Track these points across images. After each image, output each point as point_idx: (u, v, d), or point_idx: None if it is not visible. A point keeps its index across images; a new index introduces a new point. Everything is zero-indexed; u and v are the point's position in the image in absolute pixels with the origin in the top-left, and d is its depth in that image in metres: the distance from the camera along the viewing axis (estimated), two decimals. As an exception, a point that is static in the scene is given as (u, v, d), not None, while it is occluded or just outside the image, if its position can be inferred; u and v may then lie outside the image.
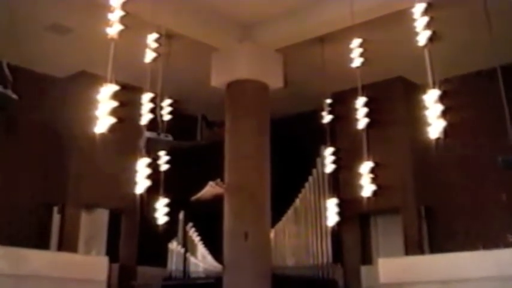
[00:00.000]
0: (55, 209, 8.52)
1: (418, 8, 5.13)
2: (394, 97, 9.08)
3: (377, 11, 7.05)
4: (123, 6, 5.20)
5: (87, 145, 7.74)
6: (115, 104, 5.14)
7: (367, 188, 6.57)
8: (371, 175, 6.59)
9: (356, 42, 6.58)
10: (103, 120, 5.05)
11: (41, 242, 8.16)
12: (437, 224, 8.72)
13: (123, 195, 7.76)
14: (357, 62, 6.54)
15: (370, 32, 7.07)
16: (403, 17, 5.76)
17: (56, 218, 8.47)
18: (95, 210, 8.96)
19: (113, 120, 5.07)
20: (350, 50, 6.59)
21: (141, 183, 6.09)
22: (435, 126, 5.17)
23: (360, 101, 6.78)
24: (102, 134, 5.15)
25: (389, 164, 8.25)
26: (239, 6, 7.64)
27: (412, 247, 8.39)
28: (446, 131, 5.16)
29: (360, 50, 6.56)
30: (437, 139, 5.19)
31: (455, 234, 8.39)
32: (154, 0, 6.31)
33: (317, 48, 8.09)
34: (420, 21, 5.11)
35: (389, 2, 6.82)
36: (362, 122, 6.72)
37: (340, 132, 8.83)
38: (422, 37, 5.10)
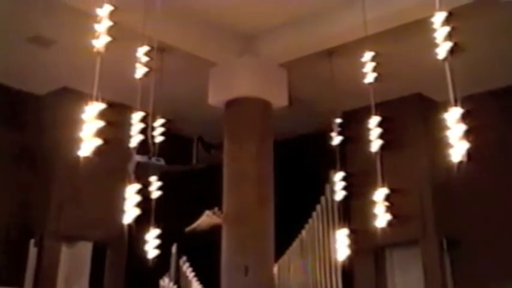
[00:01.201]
0: (32, 241, 8.43)
1: (438, 17, 5.12)
2: (411, 116, 9.08)
3: (392, 21, 7.09)
4: (111, 16, 5.21)
5: (70, 170, 7.71)
6: (101, 124, 5.12)
7: (381, 217, 6.51)
8: (386, 203, 6.53)
9: (368, 55, 6.57)
10: (88, 142, 5.02)
11: (14, 278, 8.06)
12: (461, 258, 8.62)
13: (109, 225, 7.70)
14: (369, 77, 6.52)
15: (384, 44, 7.08)
16: (421, 28, 5.77)
17: (33, 251, 8.36)
18: (77, 243, 8.88)
19: (99, 142, 5.04)
20: (362, 65, 6.58)
21: (130, 212, 6.03)
22: (457, 148, 5.12)
23: (374, 121, 6.74)
24: (87, 158, 5.11)
25: (407, 190, 8.20)
26: (239, 16, 7.69)
27: (433, 284, 8.29)
28: (469, 154, 5.11)
29: (373, 64, 6.55)
30: (460, 163, 5.14)
31: (482, 270, 8.29)
32: (146, 9, 6.33)
33: (325, 62, 8.13)
34: (440, 31, 5.10)
35: (405, 11, 6.87)
36: (376, 144, 6.67)
37: (351, 155, 8.81)
38: (443, 49, 5.07)
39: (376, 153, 6.66)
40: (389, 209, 6.50)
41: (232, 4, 7.39)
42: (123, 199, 6.07)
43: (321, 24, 7.58)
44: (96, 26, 5.27)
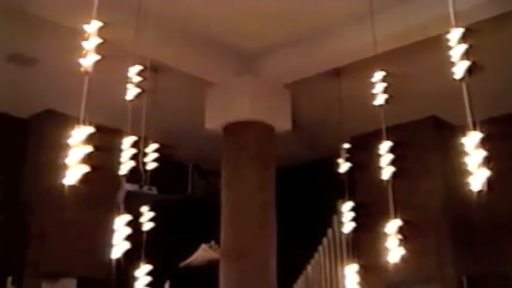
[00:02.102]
0: (9, 279, 8.34)
1: (455, 34, 5.14)
2: (426, 141, 9.08)
3: (404, 39, 7.13)
4: (100, 33, 5.23)
5: (54, 199, 7.68)
6: (89, 149, 5.10)
7: (394, 252, 6.44)
8: (399, 236, 6.47)
9: (379, 75, 6.58)
10: (74, 169, 4.99)
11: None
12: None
13: (96, 261, 7.64)
14: (380, 99, 6.52)
15: (396, 63, 7.11)
16: (436, 45, 5.81)
17: (10, 291, 8.30)
18: (60, 280, 8.79)
19: (85, 169, 5.01)
20: (372, 85, 6.59)
21: (119, 246, 5.99)
22: (476, 176, 5.10)
23: (385, 146, 6.72)
24: (73, 186, 5.08)
25: (421, 222, 8.16)
26: (239, 34, 7.73)
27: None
28: (490, 183, 5.08)
29: (384, 84, 6.56)
30: (480, 192, 5.11)
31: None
32: (138, 26, 6.37)
33: (333, 83, 8.17)
34: (457, 49, 5.11)
35: (418, 27, 6.91)
36: (387, 171, 6.64)
37: (360, 183, 8.79)
38: (459, 69, 5.08)
39: (387, 181, 6.62)
40: (402, 243, 6.44)
41: (232, 21, 7.44)
42: (111, 231, 6.04)
43: (327, 42, 7.62)
44: (84, 44, 5.28)
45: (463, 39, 5.12)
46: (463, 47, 5.10)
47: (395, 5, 6.91)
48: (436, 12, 6.45)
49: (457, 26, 5.06)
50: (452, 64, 5.13)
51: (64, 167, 5.08)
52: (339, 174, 8.05)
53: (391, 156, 6.68)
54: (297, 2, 7.01)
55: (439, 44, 5.58)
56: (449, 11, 4.92)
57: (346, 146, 8.26)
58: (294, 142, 9.19)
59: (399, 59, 7.33)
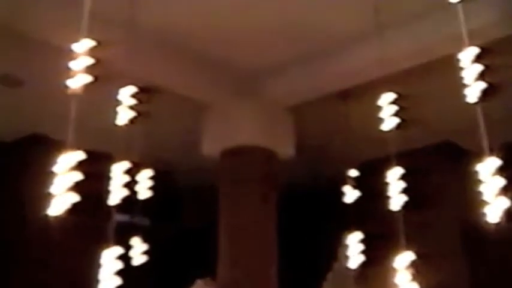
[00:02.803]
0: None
1: (468, 54, 5.17)
2: (439, 168, 9.08)
3: (415, 58, 7.17)
4: (90, 52, 5.26)
5: (39, 231, 7.64)
6: (77, 176, 5.09)
7: (405, 288, 6.40)
8: (411, 271, 6.42)
9: (388, 97, 6.60)
10: (60, 199, 4.98)
11: None
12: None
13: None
14: (390, 123, 6.52)
15: (406, 84, 7.11)
16: (448, 65, 5.81)
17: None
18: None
19: (73, 198, 5.00)
20: (381, 108, 6.61)
21: (108, 282, 5.94)
22: (494, 206, 5.07)
23: (395, 173, 6.72)
24: (59, 217, 5.07)
25: (435, 256, 8.10)
26: (237, 51, 7.77)
27: None
28: (509, 213, 5.06)
29: (394, 107, 6.57)
30: (498, 224, 5.08)
31: None
32: (130, 44, 6.41)
33: (339, 105, 8.21)
34: (470, 70, 5.13)
35: (430, 46, 6.96)
36: (398, 201, 6.63)
37: (369, 213, 8.73)
38: (474, 90, 5.09)
39: (398, 211, 6.60)
40: (415, 279, 6.40)
41: (230, 38, 7.49)
42: (99, 266, 5.99)
43: (333, 61, 7.66)
44: (72, 64, 5.31)
45: (477, 59, 5.14)
46: (477, 67, 5.11)
47: (404, 23, 6.95)
48: (448, 30, 6.46)
49: (470, 45, 5.08)
50: (466, 86, 5.14)
51: (50, 195, 5.07)
52: (346, 203, 8.05)
53: (402, 184, 6.66)
54: (300, 18, 7.06)
55: (451, 64, 5.60)
56: (461, 29, 4.94)
57: (354, 173, 8.26)
58: (297, 168, 9.16)
59: (409, 80, 7.34)
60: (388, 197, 6.71)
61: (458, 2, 4.70)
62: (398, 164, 6.64)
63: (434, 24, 6.83)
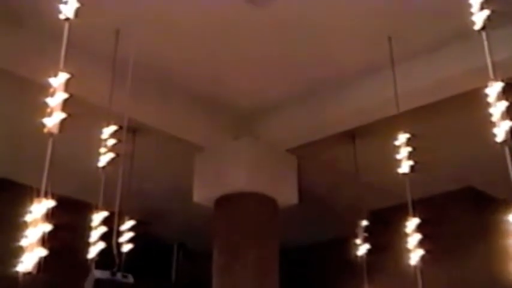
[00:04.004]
0: None
1: (493, 89, 5.13)
2: (461, 217, 9.02)
3: (431, 95, 7.14)
4: (68, 87, 5.20)
5: (7, 289, 7.51)
6: (50, 227, 5.00)
7: None
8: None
9: (402, 138, 6.57)
10: (32, 253, 4.88)
11: None
12: None
13: None
14: (404, 166, 6.49)
15: (422, 123, 7.11)
16: (471, 102, 5.79)
17: None
18: None
19: (45, 252, 4.90)
20: (394, 150, 6.57)
21: None
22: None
23: (411, 224, 6.64)
24: (30, 274, 4.96)
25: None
26: (233, 88, 7.76)
27: None
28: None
29: (408, 149, 6.54)
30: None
31: None
32: (114, 79, 6.39)
33: (347, 147, 8.17)
34: (496, 108, 5.09)
35: (448, 81, 6.93)
36: (415, 255, 6.54)
37: (381, 268, 8.66)
38: (501, 130, 5.04)
39: (415, 266, 6.51)
40: None
41: (225, 73, 7.47)
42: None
43: (340, 98, 7.64)
44: (48, 100, 5.25)
45: (503, 94, 5.10)
46: (504, 104, 5.06)
47: (420, 54, 6.95)
48: (469, 63, 6.49)
49: (496, 79, 5.05)
50: (492, 124, 5.09)
51: (20, 250, 4.97)
52: (356, 257, 7.95)
53: (418, 236, 6.59)
54: (303, 50, 7.05)
55: (474, 100, 5.57)
56: (485, 61, 4.90)
57: (364, 223, 8.18)
58: (300, 218, 9.12)
59: (426, 118, 7.32)
60: (403, 250, 6.63)
61: (482, 29, 4.65)
62: (415, 213, 6.59)
63: (453, 56, 6.82)
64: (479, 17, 4.70)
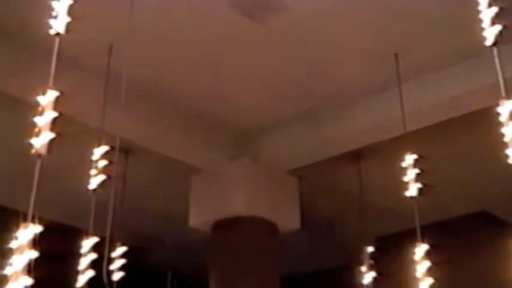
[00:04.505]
0: None
1: (505, 108, 5.12)
2: (473, 244, 8.99)
3: (440, 114, 7.14)
4: (57, 106, 5.19)
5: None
6: (37, 254, 4.97)
7: None
8: None
9: (409, 159, 6.56)
10: (16, 282, 4.84)
11: None
12: None
13: None
14: (412, 189, 6.46)
15: (431, 144, 7.10)
16: (481, 121, 5.79)
17: None
18: None
19: (31, 281, 4.86)
20: (401, 171, 6.55)
21: None
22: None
23: (420, 250, 6.61)
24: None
25: None
26: (231, 106, 7.76)
27: None
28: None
29: (416, 171, 6.53)
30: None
31: None
32: (105, 97, 6.38)
33: (351, 168, 8.18)
34: (509, 127, 5.07)
35: (459, 98, 6.92)
36: (424, 283, 6.51)
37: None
38: (516, 149, 5.04)
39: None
40: None
41: (222, 91, 7.47)
42: None
43: (343, 117, 7.64)
44: (37, 119, 5.24)
45: (516, 113, 5.10)
46: (518, 122, 5.06)
47: (428, 72, 6.95)
48: (479, 80, 6.49)
49: (507, 97, 5.04)
50: (504, 145, 5.08)
51: (4, 279, 4.94)
52: (361, 285, 7.95)
53: (428, 263, 6.56)
54: (305, 67, 7.05)
55: (484, 120, 5.56)
56: (496, 78, 4.90)
57: (370, 249, 8.17)
58: (302, 244, 9.08)
59: (434, 138, 7.32)
60: (412, 279, 6.60)
61: (493, 45, 4.65)
62: (423, 239, 6.56)
63: (463, 72, 6.82)
64: (490, 32, 4.69)
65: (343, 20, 6.26)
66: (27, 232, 4.89)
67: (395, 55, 6.65)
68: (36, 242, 4.95)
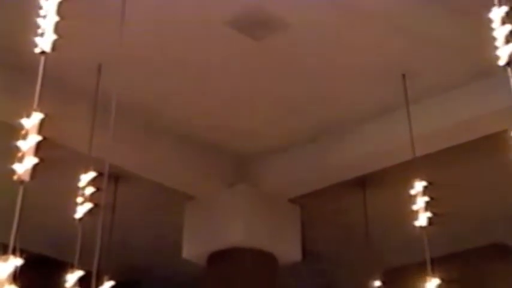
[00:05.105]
0: None
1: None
2: (487, 276, 8.95)
3: (451, 138, 7.14)
4: (42, 129, 5.19)
5: None
6: (16, 289, 4.94)
7: None
8: None
9: (419, 186, 6.55)
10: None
11: None
12: None
13: None
14: (421, 218, 6.45)
15: (441, 170, 7.09)
16: (495, 146, 5.78)
17: None
18: None
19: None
20: (410, 200, 6.53)
21: None
22: None
23: (431, 285, 6.58)
24: None
25: None
26: (229, 130, 7.77)
27: None
28: None
29: (426, 199, 6.52)
30: None
31: None
32: (93, 121, 6.37)
33: (356, 196, 8.18)
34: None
35: (471, 122, 6.92)
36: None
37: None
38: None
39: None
40: None
41: (219, 114, 7.46)
42: None
43: (348, 142, 7.65)
44: (20, 144, 5.24)
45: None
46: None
47: (438, 93, 6.97)
48: (492, 103, 6.50)
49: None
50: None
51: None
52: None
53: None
54: (307, 89, 7.06)
55: (497, 145, 5.55)
56: (510, 101, 4.90)
57: (377, 283, 8.11)
58: (304, 277, 9.04)
59: (445, 164, 7.32)
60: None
61: (507, 65, 4.66)
62: (433, 273, 6.53)
63: (475, 94, 6.84)
64: (504, 52, 4.70)
65: (347, 39, 6.28)
66: (7, 265, 4.86)
67: (403, 76, 6.66)
68: (17, 276, 4.91)
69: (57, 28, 4.53)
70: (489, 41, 4.64)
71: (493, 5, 4.45)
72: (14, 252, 4.97)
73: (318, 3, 5.84)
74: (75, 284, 6.18)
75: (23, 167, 5.17)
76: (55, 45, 4.71)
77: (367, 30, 6.11)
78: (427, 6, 5.72)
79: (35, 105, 5.17)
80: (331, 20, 6.02)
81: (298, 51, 6.45)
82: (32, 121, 5.34)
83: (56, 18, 4.57)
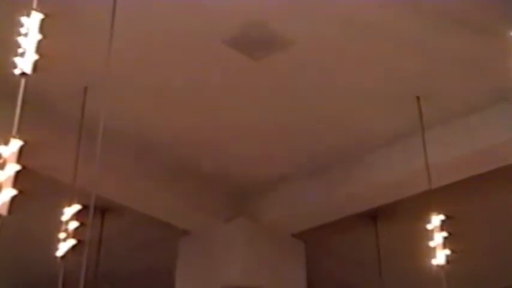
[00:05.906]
0: None
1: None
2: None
3: (471, 167, 7.13)
4: (21, 158, 5.19)
5: None
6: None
7: None
8: None
9: (436, 220, 6.53)
10: None
11: None
12: None
13: None
14: (439, 256, 6.42)
15: (460, 202, 7.08)
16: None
17: None
18: None
19: None
20: (426, 235, 6.52)
21: None
22: None
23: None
24: None
25: None
26: (228, 160, 7.79)
27: None
28: None
29: (444, 234, 6.50)
30: None
31: None
32: (77, 148, 6.37)
33: (367, 230, 8.20)
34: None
35: (492, 150, 6.91)
36: None
37: None
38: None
39: None
40: None
41: (216, 142, 7.47)
42: None
43: (358, 171, 7.65)
44: (-2, 173, 5.25)
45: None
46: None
47: (456, 118, 6.96)
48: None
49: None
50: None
51: None
52: None
53: None
54: (313, 114, 7.07)
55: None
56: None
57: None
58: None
59: (464, 196, 7.32)
60: None
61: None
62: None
63: (496, 119, 6.83)
64: (527, 73, 4.72)
65: (355, 58, 6.28)
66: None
67: (417, 98, 6.66)
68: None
69: (39, 47, 4.54)
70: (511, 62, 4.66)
71: (516, 23, 4.48)
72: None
73: (325, 21, 5.84)
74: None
75: (0, 200, 5.17)
76: (37, 66, 4.72)
77: (378, 49, 6.11)
78: (443, 23, 5.74)
79: (14, 132, 5.19)
80: (339, 40, 6.02)
81: (303, 74, 6.44)
82: (10, 149, 5.35)
83: (38, 37, 4.58)
